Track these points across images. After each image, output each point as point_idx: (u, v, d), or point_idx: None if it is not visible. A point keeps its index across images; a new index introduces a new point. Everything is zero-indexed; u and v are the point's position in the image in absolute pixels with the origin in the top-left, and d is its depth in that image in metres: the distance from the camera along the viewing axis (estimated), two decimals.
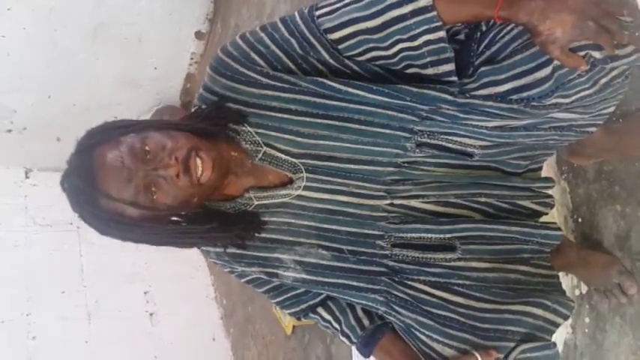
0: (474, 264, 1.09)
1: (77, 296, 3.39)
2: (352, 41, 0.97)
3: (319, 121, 1.03)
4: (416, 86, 0.98)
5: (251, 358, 3.40)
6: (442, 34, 0.93)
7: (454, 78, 0.97)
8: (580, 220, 1.48)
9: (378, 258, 1.11)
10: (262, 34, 1.02)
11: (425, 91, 0.97)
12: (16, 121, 3.47)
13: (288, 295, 1.24)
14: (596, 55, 0.88)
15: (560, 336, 1.50)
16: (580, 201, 1.48)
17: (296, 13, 1.01)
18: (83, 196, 0.97)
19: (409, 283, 1.09)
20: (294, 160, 1.06)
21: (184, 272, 3.70)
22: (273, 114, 1.04)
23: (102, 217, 0.97)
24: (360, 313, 1.22)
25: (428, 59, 0.95)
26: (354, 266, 1.12)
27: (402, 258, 1.10)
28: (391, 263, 1.10)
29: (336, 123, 1.03)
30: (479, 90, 0.96)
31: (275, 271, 1.15)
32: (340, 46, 0.99)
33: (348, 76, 1.01)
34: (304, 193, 1.08)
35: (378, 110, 1.01)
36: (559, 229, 1.15)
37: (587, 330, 1.44)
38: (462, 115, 1.00)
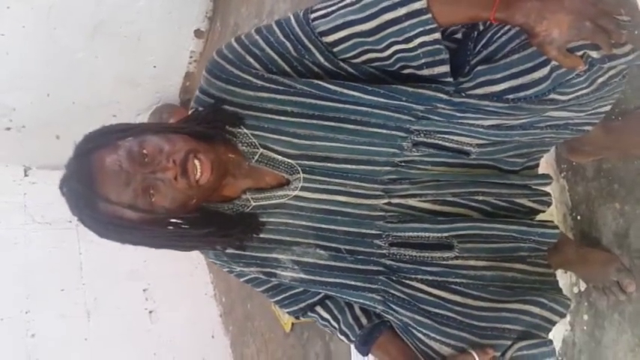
0: (472, 262, 1.09)
1: (76, 294, 3.39)
2: (347, 44, 0.97)
3: (315, 122, 1.03)
4: (411, 86, 0.97)
5: (250, 356, 3.40)
6: (437, 35, 0.92)
7: (449, 79, 0.97)
8: (579, 217, 1.48)
9: (376, 257, 1.11)
10: (257, 37, 1.02)
11: (420, 90, 0.97)
12: (15, 119, 3.47)
13: (287, 294, 1.25)
14: (594, 54, 0.88)
15: (558, 333, 1.50)
16: (579, 199, 1.48)
17: (291, 16, 1.01)
18: (82, 200, 0.97)
19: (406, 282, 1.10)
20: (290, 161, 1.06)
21: (183, 270, 3.70)
22: (269, 116, 1.04)
23: (101, 220, 0.98)
24: (358, 311, 1.22)
25: (423, 60, 0.95)
26: (352, 265, 1.12)
27: (399, 257, 1.10)
28: (389, 262, 1.11)
29: (332, 124, 1.03)
30: (475, 89, 0.96)
31: (273, 270, 1.16)
32: (335, 49, 0.98)
33: (344, 78, 1.01)
34: (301, 193, 1.08)
35: (374, 111, 1.01)
36: (556, 227, 1.16)
37: (585, 327, 1.44)
38: (458, 114, 1.00)
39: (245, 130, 1.06)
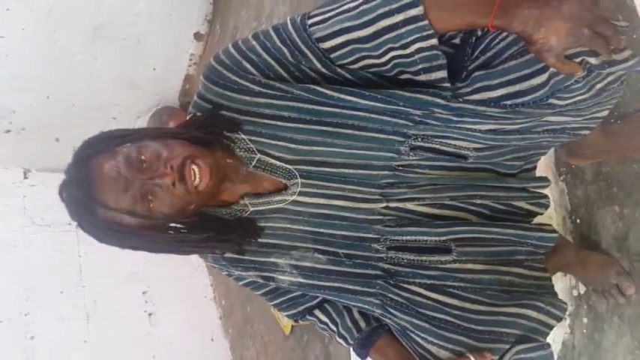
0: (469, 266, 1.09)
1: (76, 296, 3.38)
2: (344, 50, 0.97)
3: (312, 127, 1.03)
4: (409, 91, 0.97)
5: (250, 358, 3.40)
6: (434, 41, 0.92)
7: (447, 84, 0.97)
8: (578, 221, 1.48)
9: (374, 261, 1.11)
10: (254, 43, 1.02)
11: (418, 95, 0.97)
12: (14, 121, 3.47)
13: (285, 297, 1.25)
14: (593, 60, 0.88)
15: (558, 336, 1.50)
16: (578, 202, 1.48)
17: (288, 22, 1.01)
18: (81, 206, 0.98)
19: (404, 285, 1.10)
20: (288, 166, 1.06)
21: (183, 272, 3.70)
22: (266, 121, 1.04)
23: (100, 226, 0.99)
24: (356, 315, 1.23)
25: (420, 66, 0.95)
26: (350, 270, 1.12)
27: (397, 261, 1.10)
28: (386, 266, 1.11)
29: (330, 129, 1.03)
30: (472, 95, 0.96)
31: (271, 275, 1.16)
32: (332, 55, 0.98)
33: (341, 84, 1.01)
34: (299, 198, 1.08)
35: (372, 115, 1.01)
36: (554, 231, 1.16)
37: (585, 330, 1.44)
38: (455, 119, 1.00)
39: (242, 136, 1.06)
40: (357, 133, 1.03)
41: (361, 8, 0.93)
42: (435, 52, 0.93)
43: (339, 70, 1.00)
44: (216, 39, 3.60)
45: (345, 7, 0.96)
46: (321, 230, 1.11)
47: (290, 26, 1.00)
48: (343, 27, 0.95)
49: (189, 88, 3.88)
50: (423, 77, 0.97)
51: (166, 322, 3.55)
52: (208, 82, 1.05)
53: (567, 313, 1.45)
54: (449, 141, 1.06)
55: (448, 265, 1.09)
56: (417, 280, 1.09)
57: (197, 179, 0.98)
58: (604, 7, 0.82)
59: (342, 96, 0.99)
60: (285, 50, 1.00)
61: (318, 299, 1.25)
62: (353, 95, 0.99)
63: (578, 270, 1.43)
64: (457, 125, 1.01)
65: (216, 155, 1.06)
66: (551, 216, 1.51)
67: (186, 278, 3.72)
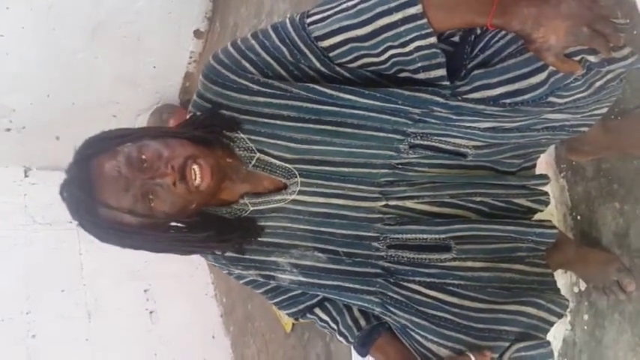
0: (469, 264, 1.09)
1: (77, 294, 3.39)
2: (343, 49, 0.96)
3: (312, 126, 1.03)
4: (408, 89, 0.97)
5: (251, 356, 3.40)
6: (433, 40, 0.91)
7: (446, 82, 0.96)
8: (579, 217, 1.48)
9: (374, 259, 1.11)
10: (253, 42, 1.01)
11: (417, 94, 0.97)
12: (15, 120, 3.47)
13: (286, 296, 1.25)
14: (592, 58, 0.87)
15: (559, 333, 1.50)
16: (579, 199, 1.48)
17: (287, 20, 1.01)
18: (82, 205, 0.98)
19: (404, 284, 1.10)
20: (287, 165, 1.06)
21: (184, 270, 3.70)
22: (265, 120, 1.04)
23: (101, 225, 0.99)
24: (356, 313, 1.23)
25: (419, 64, 0.95)
26: (350, 268, 1.12)
27: (397, 259, 1.10)
28: (386, 264, 1.11)
29: (329, 127, 1.03)
30: (471, 93, 0.96)
31: (272, 273, 1.16)
32: (331, 54, 0.98)
33: (340, 82, 1.00)
34: (299, 197, 1.08)
35: (371, 114, 1.01)
36: (554, 227, 1.16)
37: (586, 327, 1.44)
38: (454, 117, 1.00)
39: (242, 135, 1.06)
40: (356, 131, 1.03)
41: (360, 7, 0.93)
42: (433, 50, 0.93)
43: (338, 68, 1.00)
44: (216, 36, 3.60)
45: (344, 6, 0.95)
46: (321, 229, 1.11)
47: (289, 25, 1.00)
48: (342, 25, 0.95)
49: (190, 86, 3.88)
50: (422, 75, 0.96)
51: (167, 320, 3.56)
52: (207, 82, 1.05)
53: (568, 309, 1.44)
54: (448, 139, 1.05)
55: (448, 263, 1.09)
56: (417, 279, 1.09)
57: (198, 179, 0.98)
58: (603, 5, 0.82)
59: (342, 95, 0.99)
60: (284, 49, 0.99)
61: (319, 298, 1.25)
62: (352, 94, 0.99)
63: (578, 267, 1.43)
64: (456, 123, 1.01)
65: (217, 154, 1.06)
66: (552, 213, 1.52)
67: (187, 276, 3.73)
